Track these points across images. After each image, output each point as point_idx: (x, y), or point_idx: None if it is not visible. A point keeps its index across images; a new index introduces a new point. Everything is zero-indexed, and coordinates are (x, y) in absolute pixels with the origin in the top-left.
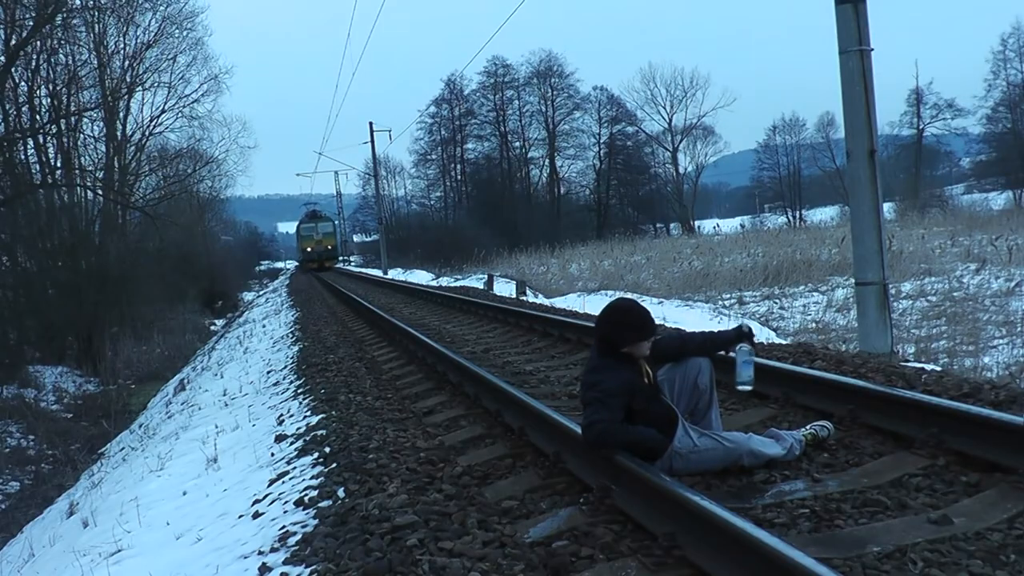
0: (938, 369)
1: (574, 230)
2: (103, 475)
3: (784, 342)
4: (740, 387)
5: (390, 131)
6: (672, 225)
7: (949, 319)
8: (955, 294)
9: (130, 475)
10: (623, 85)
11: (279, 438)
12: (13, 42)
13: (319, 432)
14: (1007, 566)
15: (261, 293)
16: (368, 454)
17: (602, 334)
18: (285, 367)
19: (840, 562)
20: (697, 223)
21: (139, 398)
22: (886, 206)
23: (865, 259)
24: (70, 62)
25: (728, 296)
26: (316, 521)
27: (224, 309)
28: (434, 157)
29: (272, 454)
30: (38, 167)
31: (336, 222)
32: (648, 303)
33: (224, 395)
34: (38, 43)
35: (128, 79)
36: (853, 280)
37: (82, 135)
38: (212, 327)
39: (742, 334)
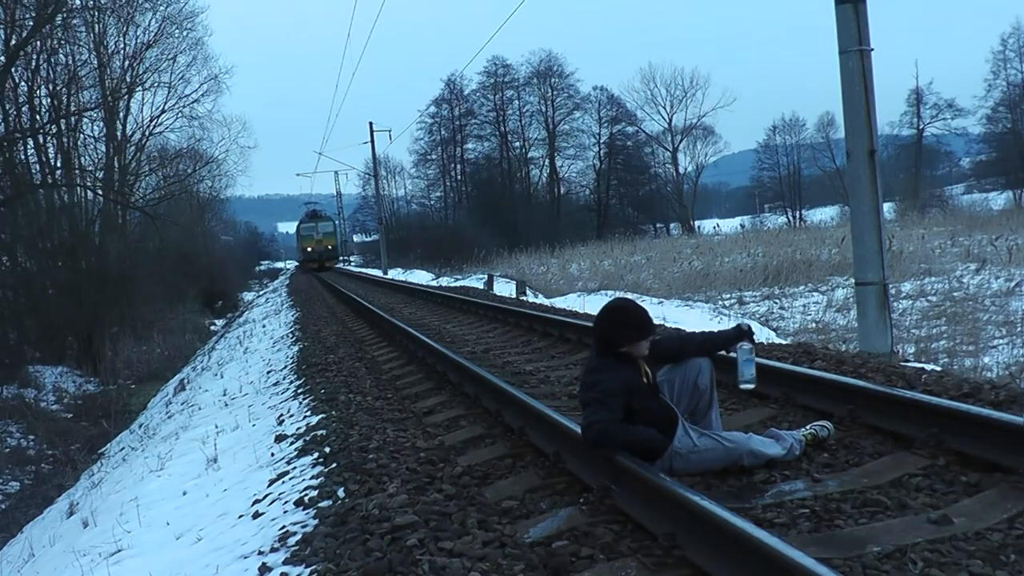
0: (938, 369)
1: (574, 230)
2: (103, 475)
3: (784, 342)
4: (743, 386)
5: (390, 131)
6: (672, 225)
7: (949, 319)
8: (955, 294)
9: (130, 475)
10: (623, 85)
11: (279, 438)
12: (13, 42)
13: (319, 432)
14: (1007, 566)
15: (261, 293)
16: (368, 454)
17: (600, 334)
18: (285, 367)
19: (840, 562)
20: (697, 223)
21: (139, 398)
22: (886, 206)
23: (865, 259)
24: (70, 62)
25: (728, 296)
26: (316, 521)
27: (224, 309)
28: (434, 157)
29: (272, 454)
30: (38, 167)
31: (336, 222)
32: (648, 303)
33: (224, 395)
34: (38, 43)
35: (128, 79)
36: (853, 280)
37: (82, 135)
38: (212, 327)
39: (742, 333)
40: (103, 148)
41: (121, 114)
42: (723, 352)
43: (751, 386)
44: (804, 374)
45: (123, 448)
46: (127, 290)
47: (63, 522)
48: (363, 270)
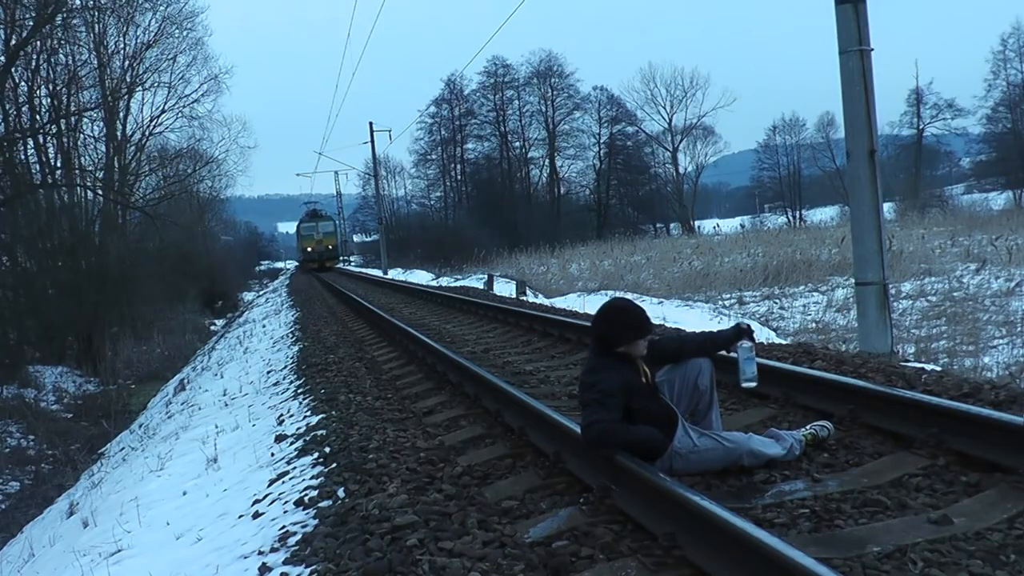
0: (938, 369)
1: (574, 230)
2: (103, 475)
3: (784, 342)
4: (745, 384)
5: (390, 131)
6: (672, 225)
7: (949, 319)
8: (955, 294)
9: (130, 475)
10: (623, 85)
11: (279, 438)
12: (13, 42)
13: (319, 432)
14: (1007, 566)
15: (261, 293)
16: (368, 454)
17: (598, 334)
18: (285, 367)
19: (840, 562)
20: (697, 223)
21: (139, 398)
22: (886, 206)
23: (865, 259)
24: (70, 62)
25: (728, 296)
26: (316, 521)
27: (224, 309)
28: (434, 157)
29: (272, 454)
30: (38, 167)
31: (337, 221)
32: (648, 303)
33: (224, 395)
34: (38, 43)
35: (128, 79)
36: (853, 280)
37: (82, 135)
38: (212, 327)
39: (741, 332)
40: (103, 148)
41: (121, 114)
42: (723, 352)
43: (753, 384)
44: (804, 374)
45: (123, 448)
46: (127, 290)
47: (63, 522)
48: (363, 270)
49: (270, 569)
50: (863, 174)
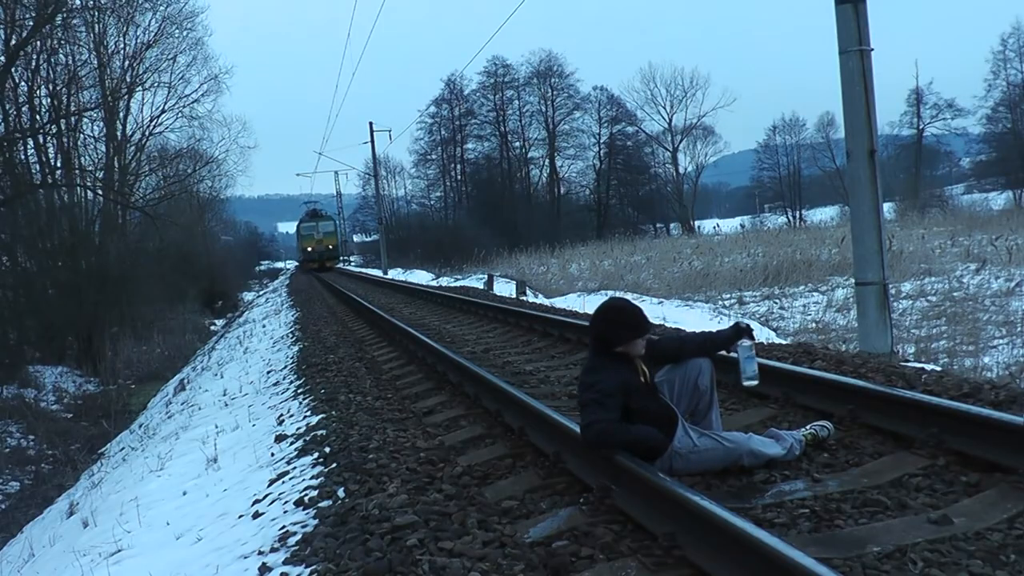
0: (938, 369)
1: (574, 230)
2: (103, 475)
3: (784, 342)
4: (746, 383)
5: (390, 131)
6: (672, 225)
7: (949, 319)
8: (955, 294)
9: (130, 475)
10: (623, 85)
11: (279, 438)
12: (13, 42)
13: (319, 432)
14: (1007, 566)
15: (261, 293)
16: (368, 454)
17: (596, 334)
18: (285, 367)
19: (840, 562)
20: (697, 223)
21: (139, 398)
22: (886, 206)
23: (865, 259)
24: (70, 62)
25: (728, 296)
26: (316, 521)
27: (224, 309)
28: (434, 157)
29: (272, 454)
30: (38, 167)
31: (337, 221)
32: (648, 303)
33: (224, 395)
34: (38, 43)
35: (128, 79)
36: (853, 280)
37: (82, 135)
38: (212, 327)
39: (740, 331)
40: (103, 148)
41: (121, 114)
42: (723, 352)
43: (755, 383)
44: (804, 374)
45: (123, 448)
46: (127, 290)
47: (63, 522)
48: (363, 270)
49: (270, 569)
50: (863, 174)
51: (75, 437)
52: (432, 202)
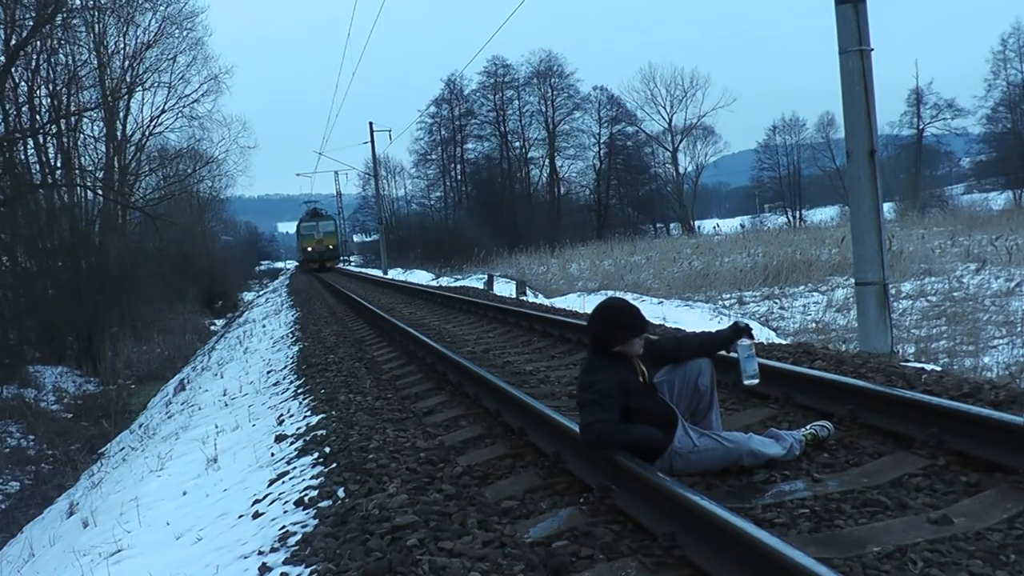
0: (938, 369)
1: (574, 230)
2: (103, 475)
3: (784, 342)
4: (747, 382)
5: (390, 131)
6: (672, 225)
7: (949, 319)
8: (955, 294)
9: (130, 475)
10: (623, 85)
11: (279, 438)
12: (13, 42)
13: (319, 432)
14: (1007, 566)
15: (261, 293)
16: (368, 454)
17: (594, 334)
18: (285, 367)
19: (840, 562)
20: (697, 223)
21: (139, 398)
22: (886, 206)
23: (865, 259)
24: (70, 62)
25: (728, 296)
26: (316, 521)
27: (224, 309)
28: (434, 157)
29: (272, 454)
30: (38, 167)
31: (337, 221)
32: (648, 303)
33: (224, 395)
34: (38, 43)
35: (128, 79)
36: (853, 280)
37: (82, 135)
38: (212, 327)
39: (739, 330)
40: (103, 148)
41: (121, 114)
42: (723, 352)
43: (755, 381)
44: (804, 374)
45: (123, 448)
46: (127, 290)
47: (63, 522)
48: (363, 270)
49: (270, 569)
50: (863, 174)
51: (75, 437)
52: (432, 202)
